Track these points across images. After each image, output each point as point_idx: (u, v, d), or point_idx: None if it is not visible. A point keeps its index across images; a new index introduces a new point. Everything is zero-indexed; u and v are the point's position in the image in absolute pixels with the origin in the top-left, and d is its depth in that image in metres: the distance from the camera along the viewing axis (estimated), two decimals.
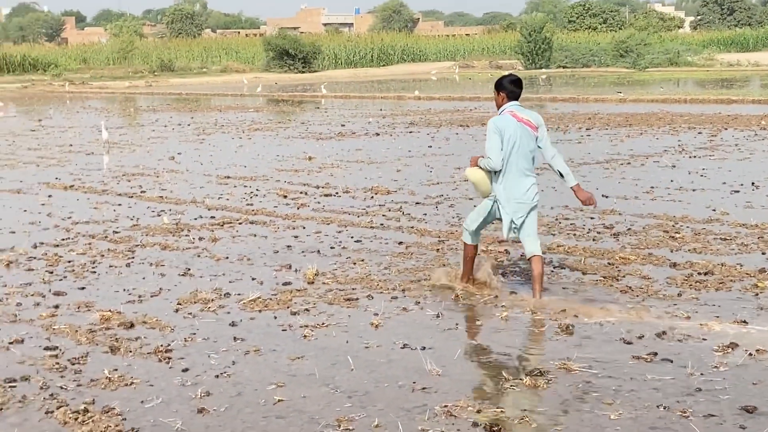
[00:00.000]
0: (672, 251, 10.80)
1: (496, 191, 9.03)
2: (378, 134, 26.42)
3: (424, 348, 7.58)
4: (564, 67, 76.35)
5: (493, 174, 9.03)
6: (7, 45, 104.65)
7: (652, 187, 15.36)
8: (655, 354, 7.28)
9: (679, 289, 9.16)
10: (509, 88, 9.09)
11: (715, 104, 35.29)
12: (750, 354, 7.27)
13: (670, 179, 16.19)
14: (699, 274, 9.71)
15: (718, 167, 17.77)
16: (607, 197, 14.44)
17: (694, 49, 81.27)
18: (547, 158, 9.22)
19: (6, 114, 35.85)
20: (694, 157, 19.42)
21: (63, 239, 12.30)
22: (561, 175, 9.19)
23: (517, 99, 9.14)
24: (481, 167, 9.12)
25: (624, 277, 9.69)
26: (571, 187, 9.20)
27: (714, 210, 13.20)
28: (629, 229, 12.07)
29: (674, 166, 17.98)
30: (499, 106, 9.15)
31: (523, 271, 9.99)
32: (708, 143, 21.90)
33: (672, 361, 7.14)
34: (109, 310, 8.74)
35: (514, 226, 9.01)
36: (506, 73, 9.98)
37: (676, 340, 7.68)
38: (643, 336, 7.75)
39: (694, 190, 15.02)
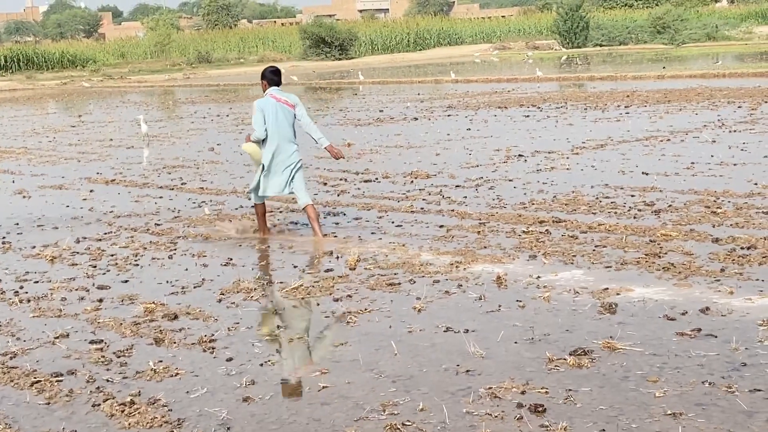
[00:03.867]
0: (714, 226, 10.72)
1: (266, 158, 11.39)
2: (416, 118, 26.38)
3: (467, 331, 7.58)
4: (601, 46, 75.69)
5: (263, 144, 11.39)
6: (45, 42, 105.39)
7: (693, 163, 15.24)
8: (699, 330, 7.23)
9: (722, 265, 9.09)
10: (269, 77, 11.54)
11: (754, 78, 34.94)
12: None
13: (711, 154, 16.06)
14: (742, 248, 9.64)
15: (759, 141, 17.60)
16: (647, 174, 14.36)
17: (731, 23, 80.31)
18: (304, 129, 11.50)
19: None
20: (735, 131, 19.24)
21: (105, 233, 12.41)
22: (315, 140, 11.61)
23: (277, 85, 11.55)
24: (252, 141, 11.48)
25: (666, 253, 9.62)
26: (324, 148, 11.62)
27: (756, 184, 13.08)
28: (670, 205, 11.99)
29: (714, 141, 17.83)
30: (264, 90, 11.50)
31: (564, 251, 9.96)
32: (748, 117, 21.70)
33: (716, 337, 7.09)
34: (153, 302, 8.82)
35: (290, 181, 11.47)
36: (269, 65, 12.45)
37: (720, 315, 7.63)
38: (686, 312, 7.71)
39: (735, 165, 14.90)
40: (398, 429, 5.73)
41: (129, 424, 6.03)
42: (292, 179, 11.51)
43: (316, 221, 11.42)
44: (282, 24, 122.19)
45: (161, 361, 7.19)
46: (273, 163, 11.42)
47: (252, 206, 12.13)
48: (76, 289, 9.57)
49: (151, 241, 11.73)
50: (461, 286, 8.91)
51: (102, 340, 7.81)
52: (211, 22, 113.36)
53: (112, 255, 11.10)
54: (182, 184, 16.43)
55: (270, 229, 12.01)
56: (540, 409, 5.88)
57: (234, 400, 6.38)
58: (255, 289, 9.19)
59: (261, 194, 11.61)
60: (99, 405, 6.36)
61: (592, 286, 8.64)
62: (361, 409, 6.09)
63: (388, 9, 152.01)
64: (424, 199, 13.42)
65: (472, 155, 17.89)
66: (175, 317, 8.36)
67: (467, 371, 6.67)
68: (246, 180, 16.34)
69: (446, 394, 6.26)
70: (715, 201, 12.07)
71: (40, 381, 6.90)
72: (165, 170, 18.33)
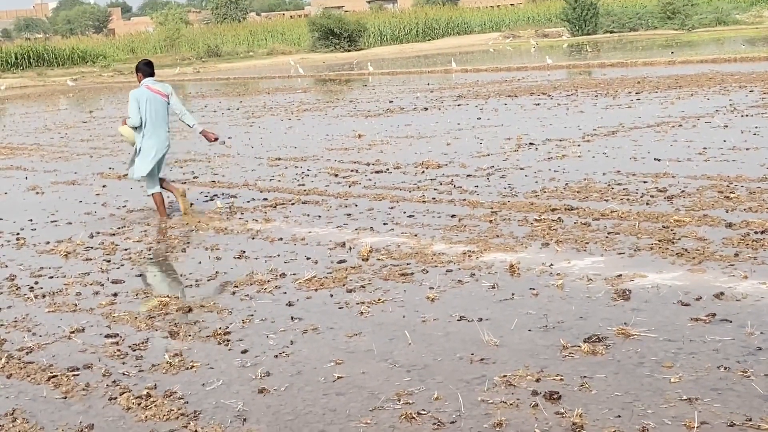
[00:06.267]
0: (727, 211, 10.69)
1: (138, 141, 12.68)
2: (426, 109, 26.36)
3: (480, 319, 7.58)
4: (611, 32, 75.44)
5: (138, 130, 12.61)
6: (55, 39, 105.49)
7: (705, 148, 15.20)
8: (714, 315, 7.22)
9: (736, 249, 9.07)
10: (144, 69, 12.76)
11: (765, 62, 34.81)
12: None
13: (723, 139, 16.01)
14: (756, 233, 9.61)
15: None
16: (659, 160, 14.32)
17: (741, 7, 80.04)
18: (179, 116, 13.05)
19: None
20: (747, 115, 19.18)
21: (119, 228, 12.44)
22: (189, 126, 13.15)
23: (151, 76, 12.79)
24: (128, 125, 12.62)
25: (679, 239, 9.60)
26: (199, 133, 13.22)
27: None
28: (683, 191, 11.97)
29: (726, 126, 17.77)
30: (139, 82, 12.69)
31: (576, 238, 9.95)
32: (760, 101, 21.63)
33: (731, 322, 7.08)
34: (167, 296, 8.85)
35: (155, 164, 12.72)
36: (143, 58, 13.74)
37: (734, 300, 7.62)
38: (700, 298, 7.70)
39: (747, 149, 14.85)
40: (413, 418, 5.74)
41: (146, 416, 6.05)
42: (159, 164, 12.89)
43: (162, 205, 12.98)
44: (291, 16, 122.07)
45: (176, 354, 7.22)
46: (144, 147, 12.67)
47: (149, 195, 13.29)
48: (91, 284, 9.61)
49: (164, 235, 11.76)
50: (474, 275, 8.91)
51: (117, 334, 7.84)
52: (220, 16, 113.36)
53: (126, 249, 11.14)
54: (194, 177, 16.46)
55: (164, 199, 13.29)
56: (555, 396, 5.88)
57: (249, 391, 6.39)
58: (268, 281, 9.20)
59: (131, 175, 13.08)
60: (115, 398, 6.38)
61: (605, 273, 8.63)
62: (376, 399, 6.10)
63: None
64: (435, 189, 13.41)
65: (483, 144, 17.87)
66: (190, 310, 8.39)
67: (481, 360, 6.67)
68: (257, 173, 16.38)
69: (461, 383, 6.26)
70: (728, 186, 12.04)
71: (57, 375, 6.92)
72: (177, 164, 18.35)
